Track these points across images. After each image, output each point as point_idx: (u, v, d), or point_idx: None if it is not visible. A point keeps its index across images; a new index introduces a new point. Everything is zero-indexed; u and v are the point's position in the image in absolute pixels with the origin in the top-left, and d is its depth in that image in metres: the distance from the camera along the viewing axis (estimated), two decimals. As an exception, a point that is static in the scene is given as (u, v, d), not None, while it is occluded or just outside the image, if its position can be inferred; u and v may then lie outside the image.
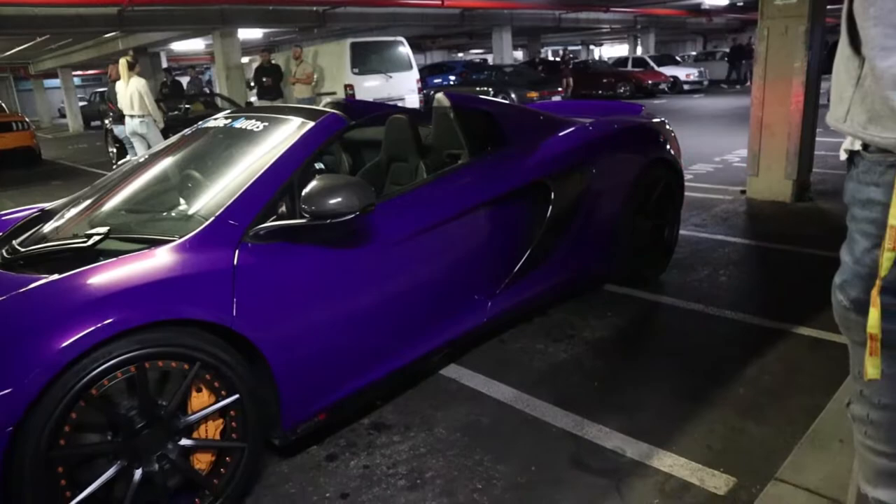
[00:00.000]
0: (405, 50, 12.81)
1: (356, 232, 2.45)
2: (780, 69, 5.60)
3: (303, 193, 2.19)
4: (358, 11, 15.81)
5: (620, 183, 3.60)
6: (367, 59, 12.23)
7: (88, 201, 2.88)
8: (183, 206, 2.61)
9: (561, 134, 3.52)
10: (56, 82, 27.36)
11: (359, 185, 2.23)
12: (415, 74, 12.89)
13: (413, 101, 12.77)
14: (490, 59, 27.01)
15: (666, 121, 4.19)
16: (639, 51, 29.07)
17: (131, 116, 8.42)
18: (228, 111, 3.24)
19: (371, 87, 12.19)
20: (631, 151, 3.79)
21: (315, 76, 12.13)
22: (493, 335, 3.32)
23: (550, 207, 3.23)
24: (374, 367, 2.54)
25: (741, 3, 21.90)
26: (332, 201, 2.15)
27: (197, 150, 3.08)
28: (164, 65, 21.21)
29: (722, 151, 8.69)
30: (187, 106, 12.44)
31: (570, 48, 36.93)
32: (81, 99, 29.28)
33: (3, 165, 12.12)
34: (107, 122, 11.40)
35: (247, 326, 2.08)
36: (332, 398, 2.40)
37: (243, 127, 2.91)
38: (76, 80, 26.96)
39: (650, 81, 19.77)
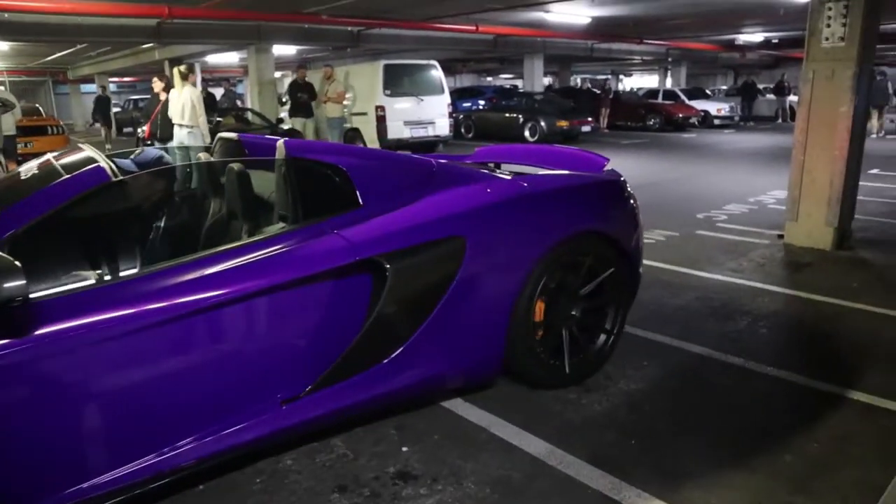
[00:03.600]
0: (438, 74, 12.84)
1: (35, 319, 1.96)
2: (825, 113, 5.46)
3: None
4: (392, 33, 15.91)
5: (518, 261, 2.86)
6: (399, 82, 12.27)
7: None
8: None
9: (436, 196, 2.88)
10: (92, 87, 27.86)
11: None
12: (446, 98, 12.91)
13: (443, 125, 12.78)
14: (520, 84, 27.07)
15: (624, 181, 3.51)
16: (668, 83, 28.95)
17: (180, 126, 8.42)
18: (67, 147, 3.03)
19: (402, 110, 12.21)
20: (543, 220, 2.99)
21: (347, 95, 12.16)
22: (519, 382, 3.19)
23: (385, 293, 2.54)
24: (57, 485, 2.03)
25: (776, 41, 21.78)
26: None
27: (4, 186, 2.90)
28: (199, 76, 21.49)
29: (756, 191, 8.52)
30: (219, 119, 12.52)
31: (600, 77, 36.93)
32: (115, 105, 29.77)
33: (36, 169, 12.25)
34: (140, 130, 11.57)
35: None
36: None
37: (36, 169, 2.69)
38: (112, 87, 27.41)
39: (681, 115, 19.60)
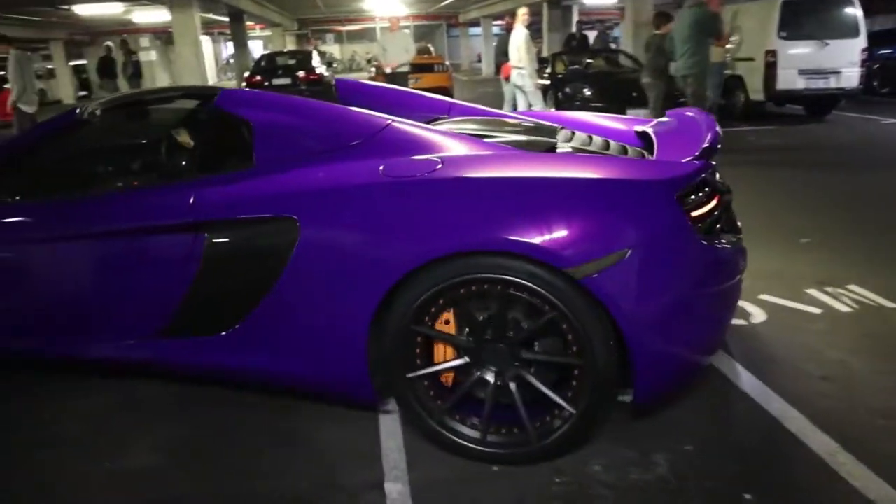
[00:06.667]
0: (854, 11, 10.40)
1: None
2: None
3: None
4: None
5: (384, 262, 2.17)
6: (800, 21, 10.26)
7: None
8: None
9: (320, 166, 2.44)
10: (478, 30, 30.10)
11: None
12: (861, 42, 10.41)
13: (851, 76, 10.36)
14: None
15: (671, 184, 2.14)
16: None
17: (514, 67, 8.66)
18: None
19: (798, 55, 10.23)
20: (435, 219, 2.19)
21: (732, 38, 10.69)
22: None
23: (200, 262, 2.41)
24: None
25: None
26: None
27: None
28: (576, 18, 21.50)
29: None
30: (588, 61, 12.31)
31: None
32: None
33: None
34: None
35: None
36: None
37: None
38: (495, 29, 29.13)
39: None
